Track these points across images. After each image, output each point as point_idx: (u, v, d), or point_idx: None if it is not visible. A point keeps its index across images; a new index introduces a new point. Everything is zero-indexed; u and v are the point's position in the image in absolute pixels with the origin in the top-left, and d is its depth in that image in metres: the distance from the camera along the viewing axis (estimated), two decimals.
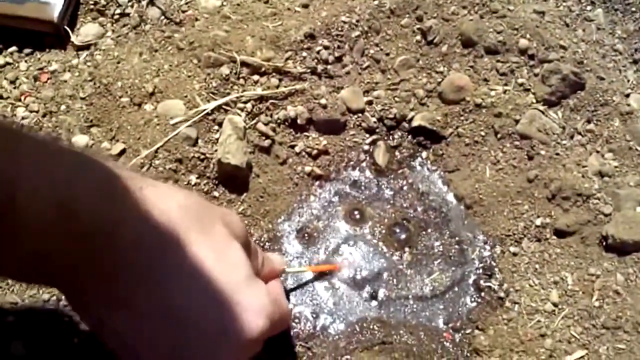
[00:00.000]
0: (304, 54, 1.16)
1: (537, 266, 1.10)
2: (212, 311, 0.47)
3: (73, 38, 1.20)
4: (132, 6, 1.23)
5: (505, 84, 1.18)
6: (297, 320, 1.03)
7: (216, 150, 1.09)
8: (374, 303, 1.07)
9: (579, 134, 1.17)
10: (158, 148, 1.08)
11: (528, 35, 1.19)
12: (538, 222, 1.12)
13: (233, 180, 1.09)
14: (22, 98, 1.15)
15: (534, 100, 1.17)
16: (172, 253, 0.46)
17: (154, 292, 0.46)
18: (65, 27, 1.20)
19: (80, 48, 1.20)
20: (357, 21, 1.18)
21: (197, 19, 1.21)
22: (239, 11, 1.21)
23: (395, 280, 1.09)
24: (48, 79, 1.17)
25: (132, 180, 0.47)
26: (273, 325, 0.54)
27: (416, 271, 1.10)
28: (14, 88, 1.17)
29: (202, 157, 1.09)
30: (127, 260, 0.44)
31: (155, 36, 1.20)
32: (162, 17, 1.22)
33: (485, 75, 1.19)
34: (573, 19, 1.26)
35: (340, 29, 1.17)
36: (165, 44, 1.18)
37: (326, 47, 1.17)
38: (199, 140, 1.10)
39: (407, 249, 1.12)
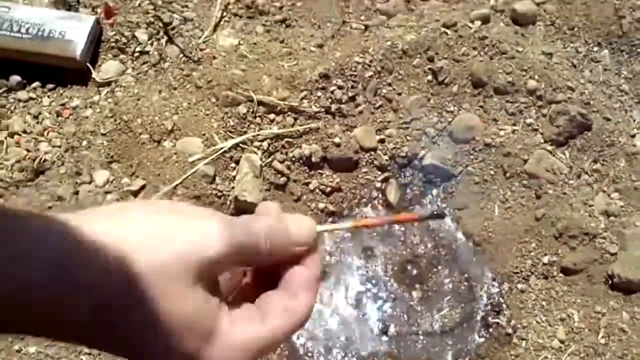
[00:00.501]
0: (319, 93, 1.19)
1: (544, 303, 1.12)
2: None
3: (94, 75, 1.23)
4: (151, 44, 1.26)
5: (514, 124, 1.21)
6: (309, 354, 1.06)
7: (233, 188, 1.11)
8: (385, 338, 1.10)
9: (586, 173, 1.19)
10: (177, 185, 1.10)
11: (536, 77, 1.22)
12: (545, 259, 1.14)
13: None
14: (45, 133, 1.19)
15: (542, 140, 1.20)
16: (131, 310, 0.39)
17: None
18: (87, 64, 1.23)
19: (101, 85, 1.23)
20: (371, 61, 1.21)
21: (214, 57, 1.24)
22: (255, 50, 1.24)
23: (406, 316, 1.11)
24: (70, 114, 1.21)
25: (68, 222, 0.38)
26: None
27: (426, 307, 1.13)
28: (37, 123, 1.20)
29: (220, 194, 1.12)
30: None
31: (174, 74, 1.23)
32: (181, 55, 1.25)
33: (495, 115, 1.22)
34: (580, 60, 1.29)
35: (354, 69, 1.20)
36: (184, 82, 1.21)
37: (340, 87, 1.19)
38: (217, 178, 1.13)
39: (417, 286, 1.14)
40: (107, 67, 1.25)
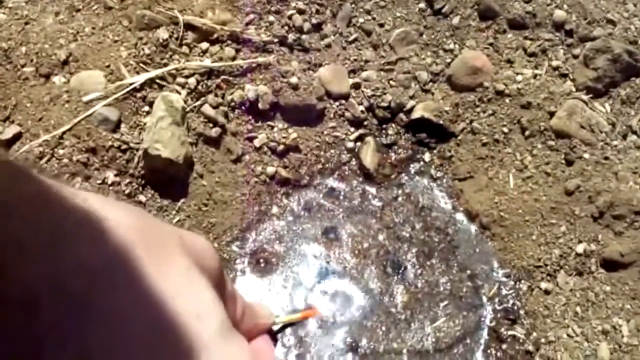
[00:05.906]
0: (271, 18, 0.95)
1: (578, 309, 0.88)
2: None
3: None
4: None
5: (536, 67, 0.98)
6: None
7: (144, 139, 0.82)
8: (354, 357, 0.79)
9: (634, 132, 0.95)
10: (64, 132, 0.83)
11: (565, 6, 1.00)
12: (580, 248, 0.90)
13: (166, 180, 0.84)
14: None
15: (574, 89, 0.97)
16: (121, 293, 0.32)
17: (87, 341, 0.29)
18: None
19: None
20: None
21: None
22: None
23: (383, 327, 0.82)
24: None
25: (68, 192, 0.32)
26: None
27: (414, 316, 0.84)
28: None
29: (125, 146, 0.84)
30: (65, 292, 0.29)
31: None
32: None
33: (509, 56, 0.99)
34: None
35: None
36: (90, 2, 0.95)
37: (301, 11, 0.95)
38: (122, 125, 0.86)
39: (400, 286, 0.85)
40: None
